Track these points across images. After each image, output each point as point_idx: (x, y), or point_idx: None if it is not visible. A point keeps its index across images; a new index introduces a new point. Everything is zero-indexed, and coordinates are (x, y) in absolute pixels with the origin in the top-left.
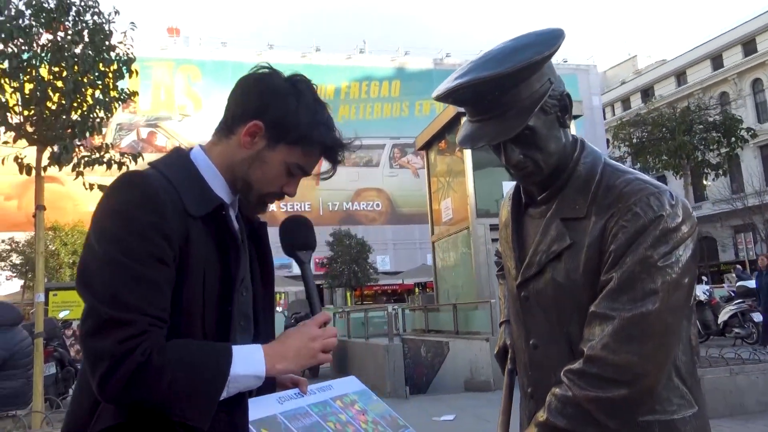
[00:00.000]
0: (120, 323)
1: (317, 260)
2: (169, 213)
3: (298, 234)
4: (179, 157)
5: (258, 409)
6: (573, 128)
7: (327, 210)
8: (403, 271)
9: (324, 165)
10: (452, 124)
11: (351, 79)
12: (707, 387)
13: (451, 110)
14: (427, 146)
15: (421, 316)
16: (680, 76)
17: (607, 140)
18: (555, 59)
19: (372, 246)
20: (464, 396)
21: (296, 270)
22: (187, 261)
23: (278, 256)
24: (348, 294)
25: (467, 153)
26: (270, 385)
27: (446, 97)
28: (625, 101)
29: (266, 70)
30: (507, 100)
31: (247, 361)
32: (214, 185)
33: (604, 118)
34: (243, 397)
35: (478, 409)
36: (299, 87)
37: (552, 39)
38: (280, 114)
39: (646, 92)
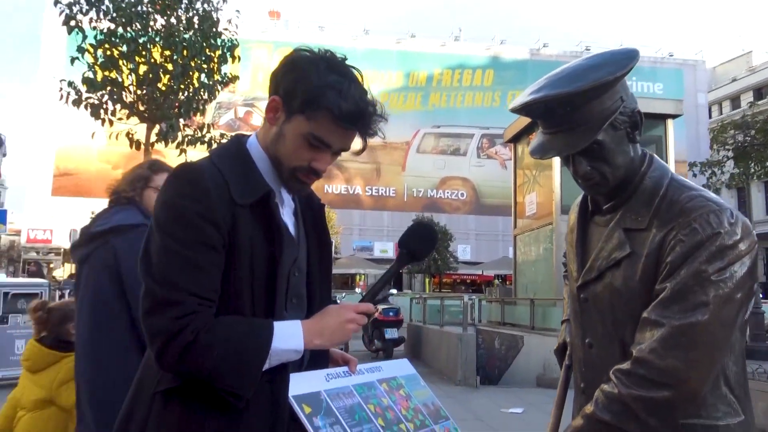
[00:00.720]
0: (172, 303)
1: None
2: (215, 202)
3: (423, 246)
4: (235, 146)
5: (305, 383)
6: (671, 127)
7: (411, 196)
8: (483, 262)
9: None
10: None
11: (444, 67)
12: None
13: None
14: (516, 138)
15: (497, 308)
16: None
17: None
18: (660, 53)
19: (454, 235)
20: (535, 391)
21: (377, 254)
22: (235, 247)
23: (362, 238)
24: (427, 280)
25: None
26: (324, 358)
27: (520, 111)
28: (735, 100)
29: (293, 51)
30: (578, 115)
31: (287, 336)
32: (265, 171)
33: (710, 117)
34: (285, 370)
35: (547, 405)
36: (319, 58)
37: (625, 60)
38: (292, 84)
39: (759, 91)
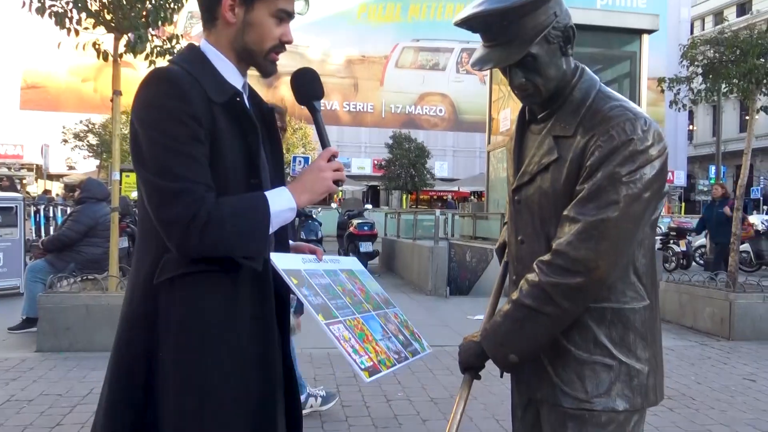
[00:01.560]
0: (180, 191)
1: (375, 161)
2: (195, 99)
3: (311, 86)
4: (194, 53)
5: (288, 261)
6: (646, 43)
7: (389, 112)
8: (460, 178)
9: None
10: None
11: None
12: (738, 312)
13: None
14: None
15: (469, 223)
16: None
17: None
18: None
19: (431, 151)
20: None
21: (355, 170)
22: (217, 141)
23: (340, 155)
24: (404, 197)
25: None
26: (286, 248)
27: (461, 25)
28: (718, 15)
29: None
30: (513, 29)
31: (280, 199)
32: (226, 73)
33: (691, 33)
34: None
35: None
36: None
37: None
38: None
39: (743, 6)
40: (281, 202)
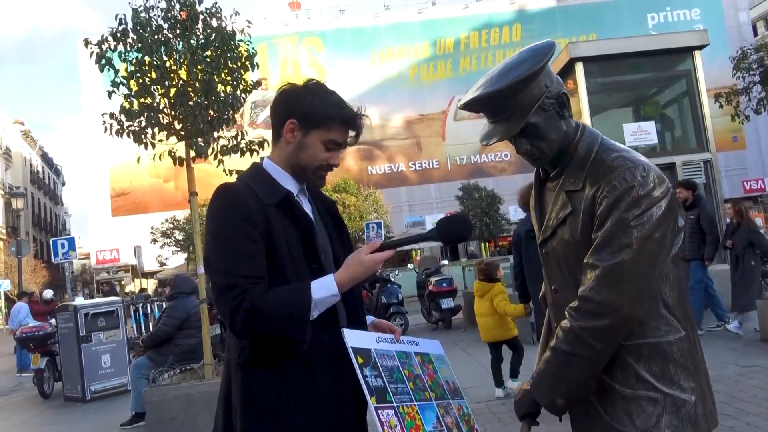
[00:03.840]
0: (230, 286)
1: (447, 215)
2: (250, 205)
3: (460, 232)
4: (255, 169)
5: (361, 339)
6: (699, 59)
7: (455, 165)
8: None
9: (349, 134)
10: (568, 68)
11: (470, 29)
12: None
13: (565, 55)
14: None
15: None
16: None
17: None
18: None
19: (503, 197)
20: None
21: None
22: (273, 240)
23: (412, 213)
24: (482, 246)
25: (583, 96)
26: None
27: (465, 107)
28: None
29: (287, 86)
30: (510, 105)
31: (323, 286)
32: (282, 180)
33: (755, 35)
34: (338, 325)
35: None
36: (310, 86)
37: (540, 56)
38: (304, 109)
39: None
40: (324, 290)
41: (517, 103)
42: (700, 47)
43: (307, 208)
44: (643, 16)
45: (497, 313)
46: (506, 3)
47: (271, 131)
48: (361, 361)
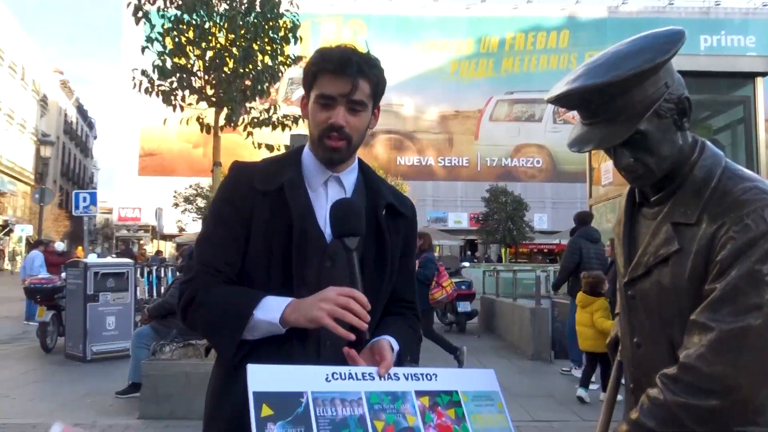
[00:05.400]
0: (191, 273)
1: (472, 215)
2: (239, 188)
3: (346, 221)
4: (292, 151)
5: (286, 378)
6: (761, 86)
7: (485, 165)
8: (561, 231)
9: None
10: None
11: (517, 30)
12: None
13: None
14: None
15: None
16: None
17: None
18: (752, 2)
19: (529, 204)
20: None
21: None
22: (251, 228)
23: (436, 209)
24: (503, 251)
25: None
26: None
27: (556, 102)
28: None
29: None
30: (617, 105)
31: (270, 308)
32: (312, 168)
33: None
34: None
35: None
36: (317, 52)
37: (668, 44)
38: (304, 77)
39: None
40: (267, 312)
41: (628, 103)
42: (764, 74)
43: (297, 200)
44: (696, 37)
45: (596, 326)
46: (557, 8)
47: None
48: (268, 412)
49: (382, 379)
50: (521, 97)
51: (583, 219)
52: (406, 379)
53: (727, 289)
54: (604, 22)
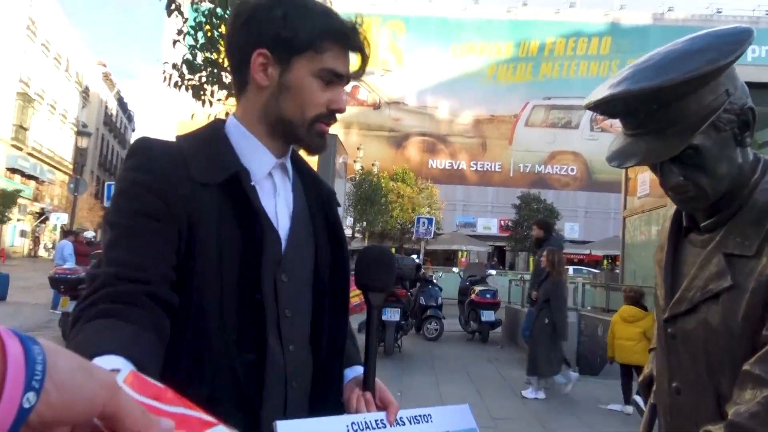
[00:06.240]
0: (92, 277)
1: (501, 222)
2: (166, 174)
3: (374, 274)
4: (209, 128)
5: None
6: None
7: (518, 171)
8: (592, 241)
9: (352, 61)
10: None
11: (558, 35)
12: None
13: None
14: None
15: (602, 294)
16: None
17: None
18: None
19: (561, 212)
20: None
21: (480, 230)
22: (197, 233)
23: (465, 214)
24: (531, 259)
25: None
26: (337, 390)
27: (595, 108)
28: None
29: (236, 6)
30: (668, 114)
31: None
32: (249, 151)
33: None
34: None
35: None
36: None
37: (733, 44)
38: (275, 29)
39: None
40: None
41: (681, 112)
42: None
43: (285, 196)
44: None
45: (643, 341)
46: (600, 14)
47: (233, 80)
48: None
49: (391, 426)
50: (558, 103)
51: (552, 227)
52: (410, 423)
53: None
54: (648, 29)
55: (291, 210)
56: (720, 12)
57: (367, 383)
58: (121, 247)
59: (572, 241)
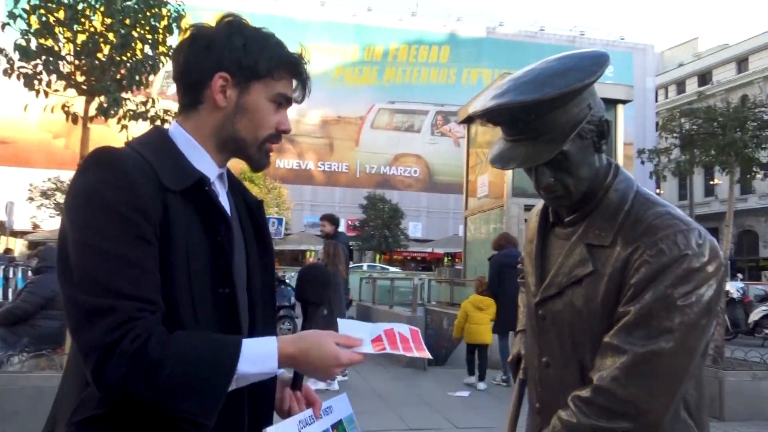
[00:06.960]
0: (103, 311)
1: (349, 221)
2: (143, 188)
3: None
4: (156, 135)
5: None
6: (621, 113)
7: (364, 172)
8: (434, 239)
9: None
10: None
11: (401, 42)
12: (728, 390)
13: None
14: (470, 119)
15: (446, 289)
16: (742, 62)
17: (657, 123)
18: (611, 36)
19: (405, 212)
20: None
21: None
22: (169, 239)
23: (313, 214)
24: (377, 257)
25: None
26: (271, 393)
27: (482, 116)
28: (681, 84)
29: (193, 30)
30: (543, 123)
31: (258, 355)
32: (195, 160)
33: (656, 101)
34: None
35: (494, 389)
36: (234, 24)
37: (595, 65)
38: (236, 57)
39: (704, 77)
40: (258, 363)
41: (554, 122)
42: (625, 101)
43: (224, 203)
44: None
45: (488, 324)
46: (439, 24)
47: (181, 105)
48: None
49: (318, 421)
50: (402, 107)
51: (338, 221)
52: (326, 414)
53: (641, 313)
54: (482, 41)
55: (231, 214)
56: (543, 30)
57: (296, 384)
58: (122, 275)
59: (416, 240)
